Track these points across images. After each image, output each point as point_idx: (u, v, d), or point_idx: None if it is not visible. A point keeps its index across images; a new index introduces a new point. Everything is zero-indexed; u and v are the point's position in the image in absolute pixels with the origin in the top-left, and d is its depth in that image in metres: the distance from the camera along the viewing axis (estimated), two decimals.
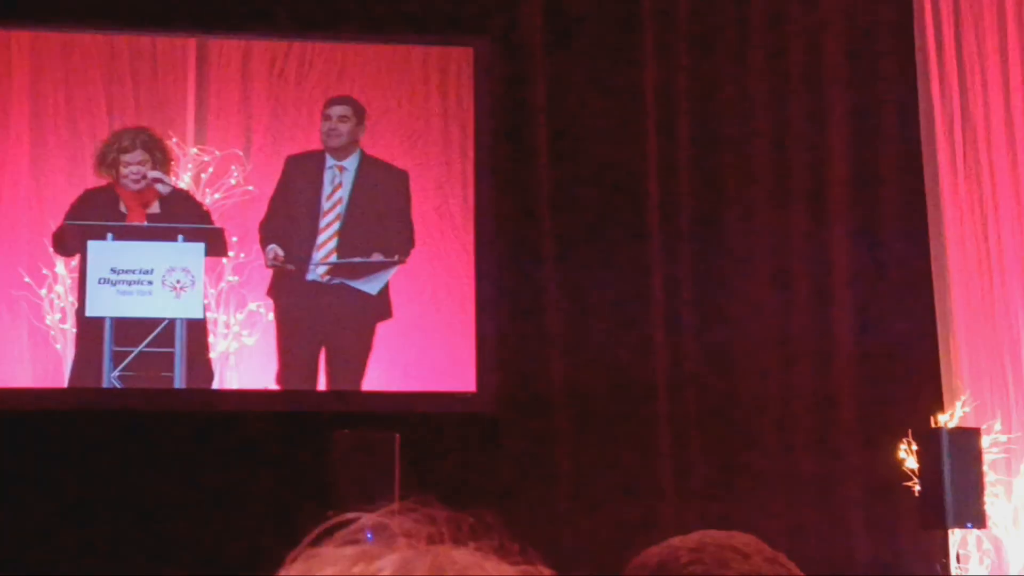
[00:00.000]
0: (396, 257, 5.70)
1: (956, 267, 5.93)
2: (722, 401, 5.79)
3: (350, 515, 1.25)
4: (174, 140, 5.62)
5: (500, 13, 5.83)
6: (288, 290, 5.66)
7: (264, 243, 5.62)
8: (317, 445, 5.30)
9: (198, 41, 5.69)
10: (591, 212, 5.79)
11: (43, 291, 5.48)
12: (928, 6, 6.05)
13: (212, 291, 5.59)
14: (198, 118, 5.66)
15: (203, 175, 5.63)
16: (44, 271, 5.49)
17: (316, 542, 1.14)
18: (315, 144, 5.73)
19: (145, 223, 5.58)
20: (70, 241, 5.50)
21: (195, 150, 5.64)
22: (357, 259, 5.67)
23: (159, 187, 5.58)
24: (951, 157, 5.99)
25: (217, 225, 5.59)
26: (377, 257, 5.69)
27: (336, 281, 5.66)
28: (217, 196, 5.63)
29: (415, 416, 5.53)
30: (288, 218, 5.67)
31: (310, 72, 5.74)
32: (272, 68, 5.72)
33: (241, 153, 5.66)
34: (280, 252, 5.61)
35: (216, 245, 5.57)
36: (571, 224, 5.79)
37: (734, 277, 5.87)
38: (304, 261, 5.66)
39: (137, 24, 5.64)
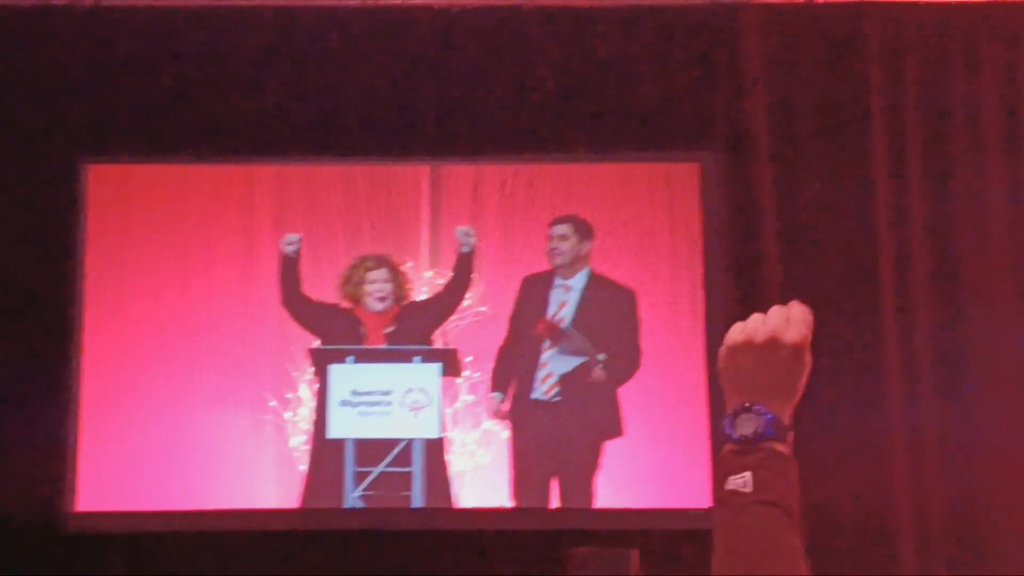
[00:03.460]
0: (603, 356, 5.69)
1: None
2: (965, 514, 5.60)
3: None
4: (409, 264, 5.79)
5: (725, 126, 5.84)
6: (517, 409, 5.73)
7: (495, 382, 5.70)
8: (552, 562, 5.32)
9: (431, 168, 5.87)
10: (825, 325, 5.69)
11: (288, 415, 5.69)
12: None
13: (448, 410, 5.71)
14: (432, 242, 5.82)
15: None
16: (288, 395, 5.70)
17: None
18: (545, 264, 5.83)
19: (384, 345, 5.74)
20: (313, 364, 5.70)
21: (430, 273, 5.80)
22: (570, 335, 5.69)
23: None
24: None
25: (451, 346, 5.71)
26: (597, 369, 5.69)
27: (557, 399, 5.70)
28: (452, 318, 5.76)
29: (651, 533, 5.51)
30: (518, 339, 5.76)
31: (539, 193, 5.86)
32: (503, 190, 5.86)
33: (474, 275, 5.79)
34: (501, 405, 5.68)
35: (451, 365, 5.69)
36: None
37: (979, 387, 5.69)
38: (530, 380, 5.73)
39: (373, 153, 5.85)
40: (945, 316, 5.74)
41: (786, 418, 1.57)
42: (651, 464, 5.67)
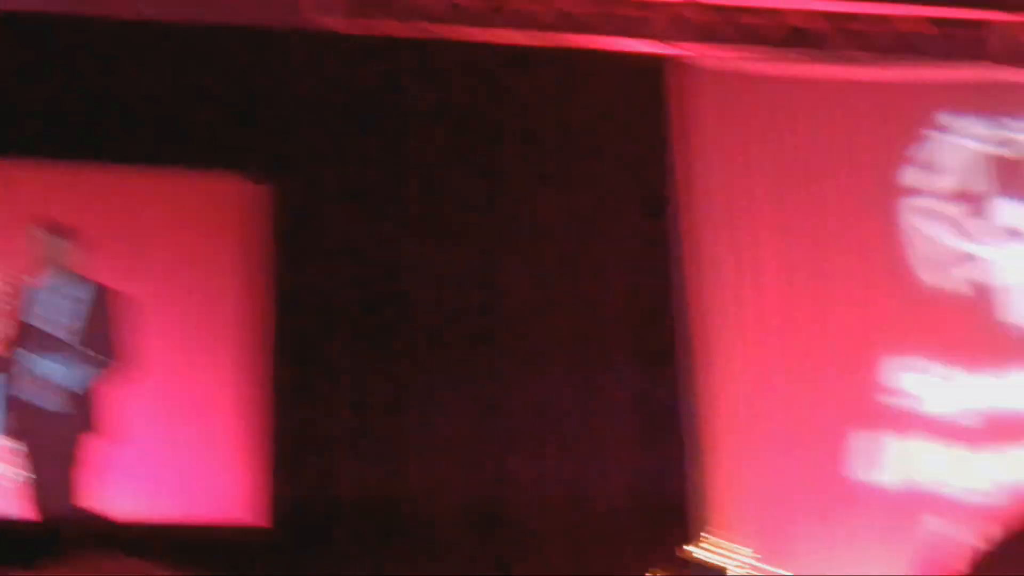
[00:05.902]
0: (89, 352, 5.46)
1: None
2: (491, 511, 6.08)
3: None
4: None
5: (272, 146, 6.07)
6: (20, 419, 5.35)
7: None
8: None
9: None
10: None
11: None
12: None
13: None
14: None
15: None
16: None
17: None
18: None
19: None
20: None
21: None
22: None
23: None
24: None
25: None
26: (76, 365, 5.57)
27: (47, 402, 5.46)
28: None
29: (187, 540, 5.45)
30: None
31: (69, 197, 5.90)
32: None
33: None
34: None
35: None
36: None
37: None
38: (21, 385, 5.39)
39: None
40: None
41: None
42: (183, 470, 5.75)
